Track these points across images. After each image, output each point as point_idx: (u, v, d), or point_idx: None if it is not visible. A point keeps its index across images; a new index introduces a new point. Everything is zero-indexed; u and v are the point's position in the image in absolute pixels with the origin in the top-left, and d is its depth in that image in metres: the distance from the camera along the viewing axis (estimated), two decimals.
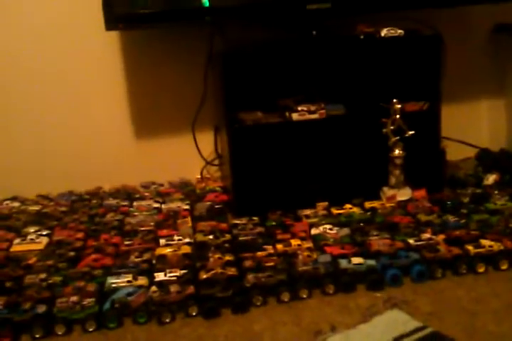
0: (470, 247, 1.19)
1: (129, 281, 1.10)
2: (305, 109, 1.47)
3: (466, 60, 1.82)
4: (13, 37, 1.63)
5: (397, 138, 1.48)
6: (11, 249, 1.32)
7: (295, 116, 1.46)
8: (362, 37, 1.52)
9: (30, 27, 1.63)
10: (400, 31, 1.49)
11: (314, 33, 1.55)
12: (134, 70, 1.72)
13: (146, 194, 1.65)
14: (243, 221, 1.40)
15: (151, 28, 1.58)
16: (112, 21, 1.45)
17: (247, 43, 1.48)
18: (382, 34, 1.49)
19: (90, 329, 1.02)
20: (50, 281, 1.12)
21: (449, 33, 1.53)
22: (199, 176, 1.78)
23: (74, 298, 1.04)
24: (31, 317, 1.01)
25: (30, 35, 1.64)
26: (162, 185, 1.74)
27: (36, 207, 1.59)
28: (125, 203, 1.58)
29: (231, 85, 1.45)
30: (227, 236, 1.32)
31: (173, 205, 1.54)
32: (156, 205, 1.55)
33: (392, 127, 1.48)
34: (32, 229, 1.41)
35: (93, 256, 1.23)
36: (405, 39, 1.50)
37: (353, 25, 1.54)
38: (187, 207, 1.53)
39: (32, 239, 1.34)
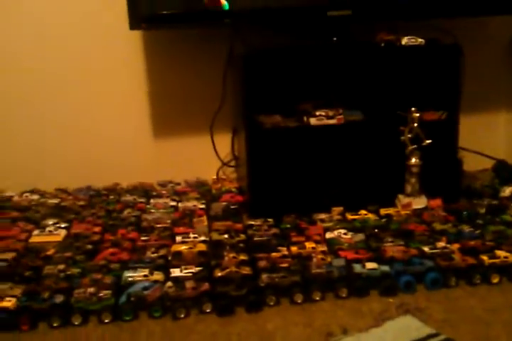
0: (485, 257, 1.19)
1: (145, 276, 1.12)
2: (323, 114, 1.48)
3: (485, 70, 1.83)
4: (36, 35, 1.67)
5: (415, 146, 1.48)
6: (30, 240, 1.34)
7: (313, 120, 1.48)
8: (382, 44, 1.53)
9: (54, 25, 1.67)
10: (420, 40, 1.50)
11: (335, 39, 1.56)
12: (155, 70, 1.74)
13: (163, 192, 1.67)
14: (258, 222, 1.42)
15: (173, 28, 1.61)
16: (135, 20, 1.48)
17: (267, 47, 1.50)
18: (403, 42, 1.50)
19: (106, 321, 1.04)
20: (68, 272, 1.14)
21: (469, 43, 1.54)
22: (215, 177, 1.80)
23: (91, 290, 1.06)
24: (49, 306, 1.03)
25: (54, 33, 1.67)
26: (179, 184, 1.76)
27: (55, 200, 1.62)
28: (142, 200, 1.60)
29: (251, 88, 1.46)
30: (242, 236, 1.33)
31: (189, 204, 1.55)
32: (173, 203, 1.57)
33: (409, 135, 1.48)
34: (51, 222, 1.44)
35: (110, 250, 1.25)
36: (425, 48, 1.51)
37: (373, 33, 1.55)
38: (203, 206, 1.55)
39: (50, 231, 1.37)
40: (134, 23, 1.47)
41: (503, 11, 1.63)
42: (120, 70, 1.73)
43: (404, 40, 1.50)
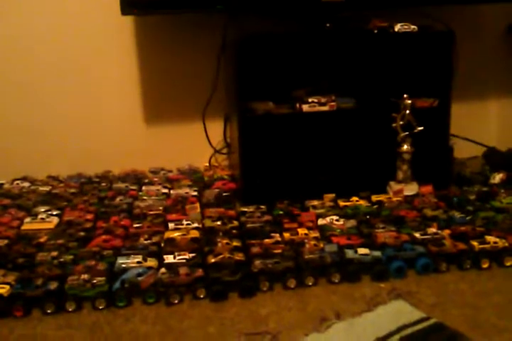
0: (475, 243, 1.21)
1: (138, 262, 1.12)
2: (315, 100, 1.48)
3: (477, 58, 1.83)
4: (28, 23, 1.64)
5: (406, 133, 1.49)
6: (22, 227, 1.34)
7: (305, 107, 1.48)
8: (375, 31, 1.52)
9: (46, 13, 1.64)
10: (413, 27, 1.50)
11: (328, 25, 1.55)
12: (146, 56, 1.73)
13: (155, 179, 1.67)
14: (251, 209, 1.42)
15: (165, 14, 1.59)
16: (127, 6, 1.46)
17: (260, 33, 1.49)
18: (396, 29, 1.50)
19: (100, 307, 1.04)
20: (61, 259, 1.14)
21: (463, 31, 1.54)
22: (207, 164, 1.80)
23: (85, 276, 1.06)
24: (43, 293, 1.03)
25: (46, 21, 1.65)
26: (171, 171, 1.75)
27: (46, 188, 1.61)
28: (134, 187, 1.60)
29: (244, 74, 1.46)
30: (235, 223, 1.34)
31: (182, 191, 1.55)
32: (165, 191, 1.57)
33: (401, 122, 1.49)
34: (42, 209, 1.43)
35: (103, 236, 1.25)
36: (418, 35, 1.50)
37: (367, 19, 1.54)
38: (195, 193, 1.55)
39: (43, 219, 1.36)
40: (126, 8, 1.44)
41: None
42: (112, 57, 1.71)
43: (397, 27, 1.49)
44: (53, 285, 1.05)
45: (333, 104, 1.48)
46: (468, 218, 1.34)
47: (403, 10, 1.56)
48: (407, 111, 1.48)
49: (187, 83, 1.76)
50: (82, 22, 1.66)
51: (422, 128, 1.48)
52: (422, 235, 1.24)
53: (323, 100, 1.48)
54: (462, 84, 1.62)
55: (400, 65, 1.52)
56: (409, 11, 1.54)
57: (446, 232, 1.27)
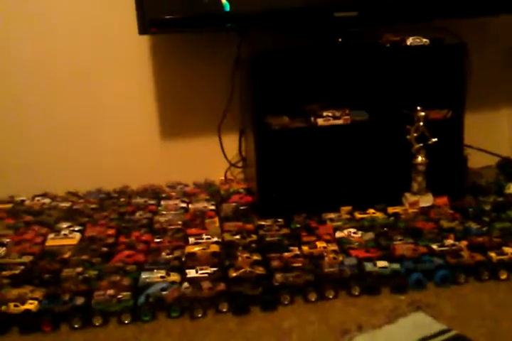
0: (493, 254, 1.22)
1: (162, 277, 1.14)
2: (330, 114, 1.50)
3: (489, 70, 1.84)
4: (45, 40, 1.69)
5: (421, 145, 1.51)
6: (46, 243, 1.37)
7: (320, 121, 1.50)
8: (388, 45, 1.55)
9: (64, 29, 1.69)
10: (425, 40, 1.52)
11: (340, 40, 1.58)
12: (163, 73, 1.76)
13: (173, 194, 1.70)
14: (268, 222, 1.44)
15: (180, 32, 1.62)
16: (144, 25, 1.50)
17: (273, 49, 1.52)
18: (408, 43, 1.52)
19: (126, 322, 1.06)
20: (85, 275, 1.17)
21: (474, 43, 1.56)
22: (223, 177, 1.82)
23: (110, 292, 1.09)
24: (70, 308, 1.06)
25: (63, 37, 1.69)
26: (187, 185, 1.78)
27: (67, 204, 1.64)
28: (152, 202, 1.63)
29: (259, 89, 1.49)
30: (254, 237, 1.36)
31: (200, 205, 1.58)
32: (183, 205, 1.59)
33: (415, 134, 1.51)
34: (64, 225, 1.46)
35: (126, 252, 1.27)
36: (430, 48, 1.53)
37: (379, 33, 1.57)
38: (213, 207, 1.57)
39: (65, 234, 1.39)
40: (143, 28, 1.49)
41: (506, 11, 1.65)
42: (129, 74, 1.75)
43: (410, 41, 1.52)
44: (80, 301, 1.07)
45: (347, 117, 1.51)
46: (484, 229, 1.35)
47: (414, 24, 1.59)
48: (421, 123, 1.50)
49: (202, 98, 1.79)
50: (100, 38, 1.70)
51: (436, 139, 1.50)
52: (439, 247, 1.25)
53: (337, 114, 1.50)
54: (475, 95, 1.64)
55: (413, 77, 1.54)
56: (420, 25, 1.57)
57: (464, 243, 1.28)
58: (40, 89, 1.72)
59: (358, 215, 1.47)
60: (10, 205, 1.65)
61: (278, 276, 1.14)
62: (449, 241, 1.27)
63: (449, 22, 1.60)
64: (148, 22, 1.49)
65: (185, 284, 1.12)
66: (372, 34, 1.57)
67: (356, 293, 1.14)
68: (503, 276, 1.19)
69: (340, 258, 1.22)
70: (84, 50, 1.71)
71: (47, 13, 1.67)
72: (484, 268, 1.19)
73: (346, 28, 1.57)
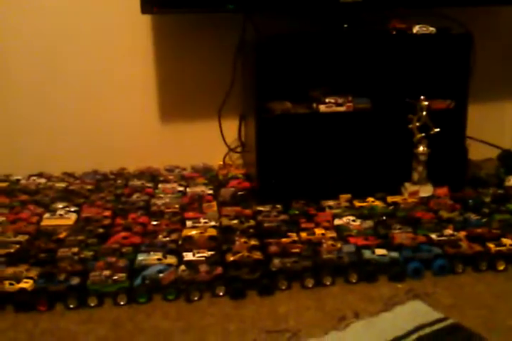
0: (491, 245, 1.22)
1: (158, 259, 1.13)
2: (332, 101, 1.49)
3: (494, 60, 1.83)
4: (45, 20, 1.66)
5: (423, 134, 1.50)
6: (42, 223, 1.35)
7: (322, 107, 1.48)
8: (394, 32, 1.53)
9: (63, 9, 1.66)
10: (431, 29, 1.51)
11: (345, 26, 1.56)
12: (164, 56, 1.74)
13: (170, 177, 1.68)
14: (266, 208, 1.43)
15: (183, 13, 1.59)
16: (147, 5, 1.47)
17: (278, 34, 1.50)
18: (414, 31, 1.50)
19: (121, 303, 1.05)
20: (81, 255, 1.16)
21: (479, 32, 1.54)
22: (221, 162, 1.81)
23: (106, 272, 1.07)
24: (66, 288, 1.05)
25: (63, 18, 1.66)
26: (185, 169, 1.77)
27: (63, 184, 1.63)
28: (150, 185, 1.61)
29: (262, 75, 1.46)
30: (252, 222, 1.35)
31: (198, 189, 1.57)
32: (181, 188, 1.58)
33: (417, 124, 1.49)
34: (60, 205, 1.45)
35: (122, 233, 1.26)
36: (436, 37, 1.51)
37: (386, 20, 1.55)
38: (211, 191, 1.56)
39: (61, 215, 1.38)
40: (146, 7, 1.46)
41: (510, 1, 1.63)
42: (129, 56, 1.72)
43: (416, 29, 1.50)
44: (75, 281, 1.06)
45: (350, 104, 1.49)
46: (484, 220, 1.34)
47: (421, 11, 1.57)
48: (424, 113, 1.48)
49: (203, 82, 1.77)
50: (100, 21, 1.68)
51: (438, 129, 1.49)
52: (438, 236, 1.25)
53: (340, 101, 1.49)
54: (478, 86, 1.63)
55: (417, 66, 1.52)
56: (427, 12, 1.55)
57: (462, 234, 1.27)
58: (38, 70, 1.70)
59: (357, 203, 1.46)
60: (5, 184, 1.64)
61: (276, 262, 1.14)
62: (448, 231, 1.27)
63: (455, 10, 1.58)
64: (151, 1, 1.46)
65: (182, 267, 1.11)
66: (379, 20, 1.55)
67: (354, 280, 1.14)
68: (501, 267, 1.19)
69: (339, 245, 1.21)
70: (84, 33, 1.68)
71: None
72: (482, 259, 1.19)
73: (352, 14, 1.55)
